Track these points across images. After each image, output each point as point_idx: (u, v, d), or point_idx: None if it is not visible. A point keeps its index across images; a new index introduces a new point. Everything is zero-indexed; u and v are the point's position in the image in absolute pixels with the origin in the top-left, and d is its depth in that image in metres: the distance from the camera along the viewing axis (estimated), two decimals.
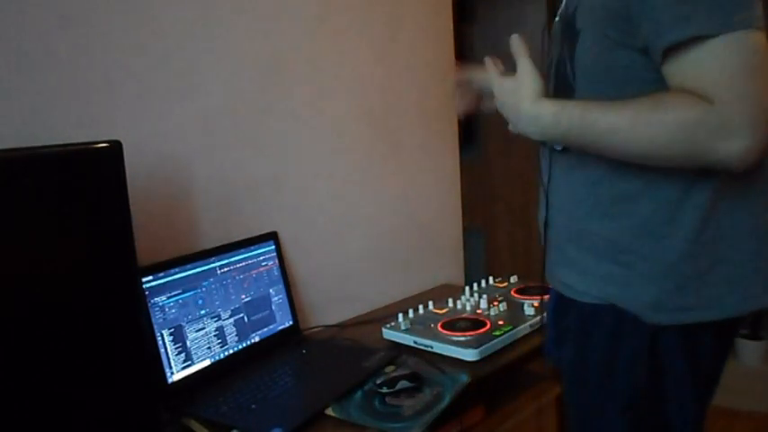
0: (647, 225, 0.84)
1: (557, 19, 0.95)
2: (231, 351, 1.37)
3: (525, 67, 0.88)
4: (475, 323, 1.41)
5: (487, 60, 0.96)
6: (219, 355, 1.35)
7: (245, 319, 1.42)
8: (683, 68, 0.76)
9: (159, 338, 1.24)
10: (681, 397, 0.88)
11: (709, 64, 0.74)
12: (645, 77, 0.81)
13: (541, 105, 0.86)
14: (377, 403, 1.16)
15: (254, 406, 1.17)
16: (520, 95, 0.87)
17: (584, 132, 0.82)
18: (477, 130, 2.96)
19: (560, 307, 1.01)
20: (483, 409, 1.47)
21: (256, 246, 1.48)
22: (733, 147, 0.72)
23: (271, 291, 1.49)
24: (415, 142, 1.94)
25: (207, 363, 1.32)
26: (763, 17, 0.75)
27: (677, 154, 0.76)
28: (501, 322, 1.41)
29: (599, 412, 0.94)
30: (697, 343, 0.86)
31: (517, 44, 0.91)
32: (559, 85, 0.92)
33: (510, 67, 0.94)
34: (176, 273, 1.29)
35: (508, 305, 1.51)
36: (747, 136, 0.72)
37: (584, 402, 0.98)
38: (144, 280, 1.22)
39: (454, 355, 1.31)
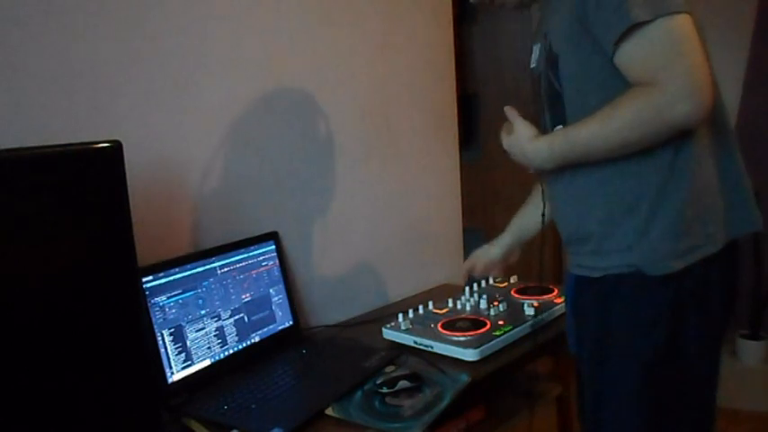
0: (652, 185, 0.99)
1: (536, 50, 1.14)
2: (231, 351, 1.37)
3: (518, 123, 1.10)
4: (475, 323, 1.41)
5: (507, 119, 1.13)
6: (219, 355, 1.35)
7: (246, 319, 1.42)
8: (630, 56, 0.93)
9: (159, 338, 1.24)
10: (698, 349, 1.01)
11: (647, 48, 0.91)
12: (618, 80, 0.96)
13: (537, 143, 1.07)
14: (377, 403, 1.16)
15: (254, 406, 1.17)
16: (521, 143, 1.09)
17: (575, 149, 1.02)
18: (477, 131, 2.96)
19: (578, 290, 1.12)
20: (483, 408, 1.47)
21: (256, 246, 1.48)
22: (682, 112, 0.89)
23: (271, 291, 1.49)
24: (415, 142, 1.94)
25: (207, 363, 1.32)
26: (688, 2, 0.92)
27: (646, 134, 0.94)
28: (501, 322, 1.41)
29: (618, 383, 1.05)
30: (708, 284, 1.00)
31: (510, 112, 1.12)
32: (551, 100, 1.09)
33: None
34: (176, 273, 1.29)
35: (508, 305, 1.51)
36: (688, 102, 0.89)
37: (603, 378, 1.07)
38: (144, 280, 1.22)
39: (454, 355, 1.31)
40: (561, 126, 1.07)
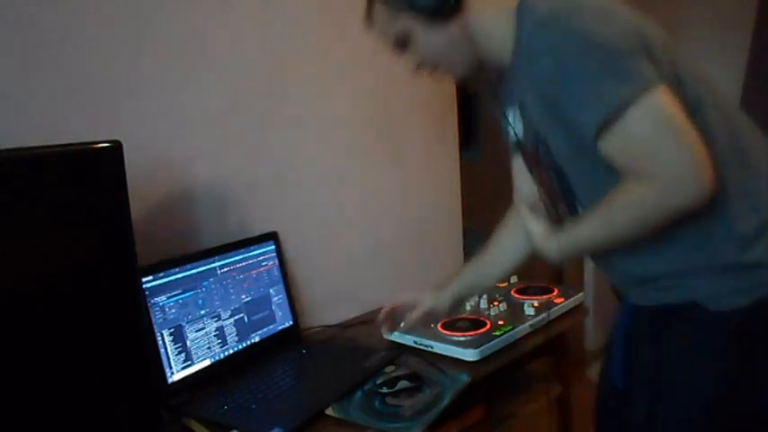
0: (714, 224, 0.93)
1: (512, 117, 1.09)
2: (231, 351, 1.37)
3: (530, 223, 1.07)
4: (475, 323, 1.41)
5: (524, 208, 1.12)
6: (219, 355, 1.35)
7: (246, 319, 1.42)
8: (612, 150, 0.88)
9: (159, 338, 1.24)
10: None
11: (631, 137, 0.85)
12: None
13: (547, 243, 1.03)
14: (377, 403, 1.16)
15: (254, 406, 1.17)
16: (534, 240, 1.06)
17: (584, 248, 1.04)
18: (477, 131, 2.96)
19: (635, 320, 1.07)
20: (483, 408, 1.47)
21: (256, 246, 1.48)
22: (685, 199, 0.85)
23: (271, 291, 1.49)
24: (415, 142, 1.94)
25: (207, 363, 1.32)
26: (657, 69, 0.86)
27: (653, 225, 0.89)
28: (501, 322, 1.41)
29: (677, 423, 0.98)
30: None
31: (522, 210, 1.10)
32: (556, 175, 1.05)
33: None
34: (176, 273, 1.29)
35: (508, 305, 1.51)
36: (689, 187, 0.84)
37: (659, 415, 1.00)
38: (144, 280, 1.22)
39: (454, 355, 1.31)
40: (574, 199, 1.04)
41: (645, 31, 0.90)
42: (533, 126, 1.03)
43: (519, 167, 1.20)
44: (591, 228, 0.96)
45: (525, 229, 1.09)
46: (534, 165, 1.11)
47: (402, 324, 1.23)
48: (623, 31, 0.87)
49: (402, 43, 1.07)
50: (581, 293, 1.61)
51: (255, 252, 1.47)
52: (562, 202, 1.08)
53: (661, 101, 0.84)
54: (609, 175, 0.91)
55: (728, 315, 0.93)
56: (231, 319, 1.38)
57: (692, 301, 0.95)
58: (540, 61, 0.91)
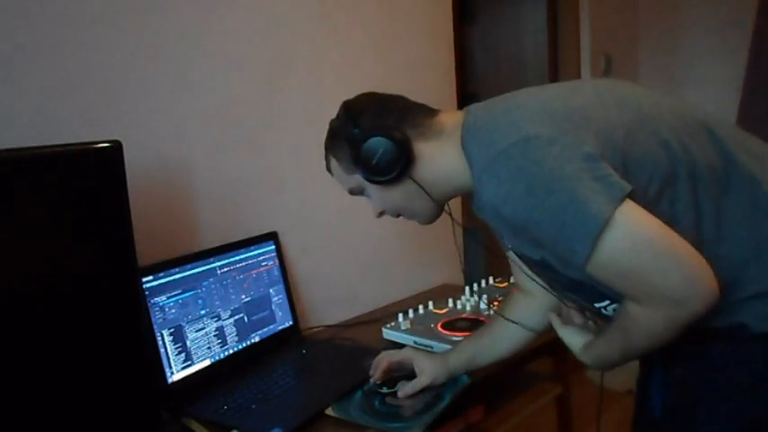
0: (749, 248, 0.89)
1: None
2: (231, 351, 1.37)
3: (565, 336, 1.06)
4: (475, 323, 1.41)
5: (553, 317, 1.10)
6: (219, 355, 1.35)
7: (245, 319, 1.42)
8: (604, 275, 0.84)
9: (159, 338, 1.23)
10: None
11: (614, 269, 0.82)
12: None
13: (583, 356, 1.02)
14: (377, 403, 1.16)
15: (254, 406, 1.17)
16: (573, 351, 1.05)
17: (611, 359, 0.96)
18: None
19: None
20: (483, 408, 1.47)
21: (256, 246, 1.48)
22: (693, 311, 0.80)
23: (271, 291, 1.49)
24: None
25: (207, 363, 1.32)
26: (618, 178, 0.80)
27: (670, 337, 0.85)
28: None
29: None
30: None
31: (554, 322, 1.08)
32: (571, 288, 1.00)
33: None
34: (176, 273, 1.29)
35: None
36: (695, 301, 0.79)
37: (699, 429, 0.96)
38: (144, 280, 1.22)
39: None
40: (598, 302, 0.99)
41: (594, 130, 0.84)
42: (525, 254, 0.99)
43: (518, 265, 1.15)
44: (615, 351, 0.94)
45: (527, 319, 1.12)
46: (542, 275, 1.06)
47: (399, 393, 1.18)
48: (570, 154, 0.81)
49: (359, 193, 1.07)
50: None
51: (255, 252, 1.47)
52: (591, 300, 1.02)
53: (629, 219, 0.80)
54: None
55: None
56: (231, 319, 1.38)
57: (739, 324, 0.89)
58: (500, 211, 0.87)
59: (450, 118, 1.00)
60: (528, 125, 0.85)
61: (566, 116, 0.86)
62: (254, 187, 1.53)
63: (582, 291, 0.99)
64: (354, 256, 1.78)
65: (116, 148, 0.93)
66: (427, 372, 1.19)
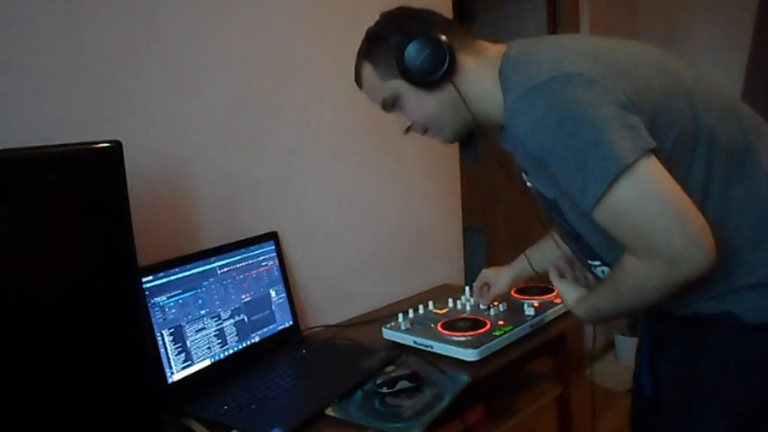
0: (745, 237, 0.92)
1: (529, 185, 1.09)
2: (231, 351, 1.37)
3: (561, 287, 1.12)
4: (475, 323, 1.41)
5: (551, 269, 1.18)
6: (219, 356, 1.35)
7: (246, 319, 1.42)
8: (606, 223, 0.87)
9: (159, 338, 1.24)
10: None
11: (620, 218, 0.84)
12: None
13: (576, 309, 1.07)
14: (377, 403, 1.16)
15: (254, 406, 1.17)
16: (564, 300, 1.12)
17: (606, 315, 1.00)
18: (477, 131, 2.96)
19: (662, 327, 1.06)
20: (483, 408, 1.47)
21: (256, 246, 1.48)
22: (689, 271, 0.82)
23: (271, 291, 1.49)
24: (415, 142, 1.94)
25: (207, 363, 1.32)
26: (646, 133, 0.83)
27: (664, 294, 0.87)
28: (501, 322, 1.41)
29: (714, 425, 0.95)
30: None
31: (551, 274, 1.16)
32: (571, 233, 1.03)
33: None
34: (176, 273, 1.29)
35: (508, 305, 1.51)
36: (692, 259, 0.81)
37: (689, 426, 0.98)
38: (144, 280, 1.22)
39: (454, 355, 1.31)
40: (595, 256, 1.03)
41: (634, 84, 0.86)
42: (541, 192, 1.01)
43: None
44: (607, 303, 0.97)
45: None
46: (553, 220, 1.10)
47: (481, 303, 1.48)
48: (607, 98, 0.84)
49: (391, 105, 1.06)
50: None
51: (255, 252, 1.47)
52: (585, 256, 1.06)
53: (648, 171, 0.82)
54: None
55: (762, 328, 0.90)
56: (231, 320, 1.38)
57: (729, 313, 0.92)
58: (526, 142, 0.89)
59: (493, 45, 1.03)
60: (572, 63, 0.87)
61: (610, 63, 0.89)
62: (254, 187, 1.53)
63: (578, 245, 1.03)
64: (354, 256, 1.78)
65: (116, 148, 0.93)
66: (505, 276, 1.46)
